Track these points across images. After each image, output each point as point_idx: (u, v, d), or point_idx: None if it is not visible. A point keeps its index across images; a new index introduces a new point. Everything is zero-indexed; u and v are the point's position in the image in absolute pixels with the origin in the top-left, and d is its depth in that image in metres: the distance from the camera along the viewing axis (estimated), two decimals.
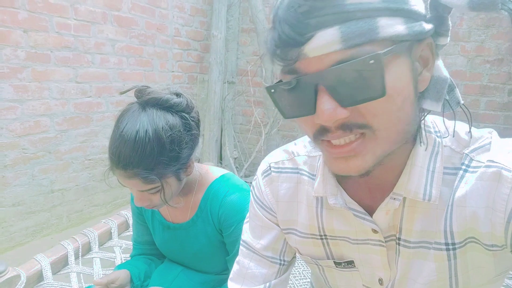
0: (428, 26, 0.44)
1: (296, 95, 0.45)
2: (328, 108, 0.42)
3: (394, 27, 0.41)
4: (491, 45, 2.77)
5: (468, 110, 0.53)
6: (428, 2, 0.46)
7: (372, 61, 0.39)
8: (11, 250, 2.29)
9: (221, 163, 3.50)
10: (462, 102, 0.53)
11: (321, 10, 0.40)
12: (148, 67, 3.05)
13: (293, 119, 0.49)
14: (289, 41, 0.42)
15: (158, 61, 3.13)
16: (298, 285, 1.35)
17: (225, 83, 3.49)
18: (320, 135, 0.46)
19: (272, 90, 0.47)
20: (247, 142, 3.74)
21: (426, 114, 0.51)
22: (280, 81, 0.47)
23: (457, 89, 0.53)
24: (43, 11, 2.26)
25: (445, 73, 0.51)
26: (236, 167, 3.51)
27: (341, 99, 0.42)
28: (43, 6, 2.25)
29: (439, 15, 0.46)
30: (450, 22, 0.48)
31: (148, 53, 3.03)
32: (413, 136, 0.51)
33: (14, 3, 2.12)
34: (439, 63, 0.51)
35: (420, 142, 0.51)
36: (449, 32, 0.49)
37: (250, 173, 3.37)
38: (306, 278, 1.39)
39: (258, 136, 3.47)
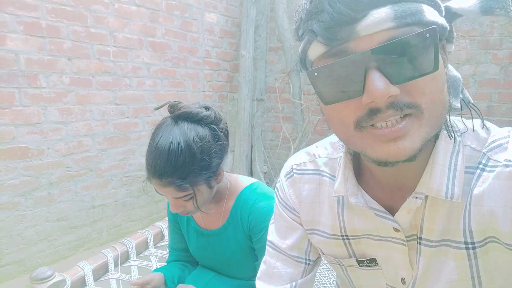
0: (448, 27, 0.47)
1: (342, 77, 0.44)
2: (380, 84, 0.41)
3: (434, 15, 0.44)
4: None
5: (478, 109, 0.55)
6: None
7: (428, 35, 0.41)
8: (56, 262, 2.42)
9: None
10: (472, 101, 0.55)
11: None
12: (181, 87, 3.19)
13: (332, 107, 0.48)
14: (343, 18, 0.42)
15: (190, 81, 3.27)
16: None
17: (254, 100, 3.57)
18: (368, 118, 0.45)
19: (315, 74, 0.46)
20: (276, 157, 3.78)
21: (450, 109, 0.52)
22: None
23: (465, 90, 0.56)
24: (85, 39, 2.45)
25: (457, 74, 0.54)
26: (267, 182, 3.55)
27: (393, 76, 0.42)
28: (85, 36, 2.44)
29: (447, 23, 0.48)
30: (454, 31, 0.51)
31: (181, 75, 3.17)
32: (437, 133, 0.52)
33: (60, 34, 2.31)
34: (450, 66, 0.53)
35: (449, 136, 0.52)
36: (454, 40, 0.51)
37: None
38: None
39: (287, 151, 3.50)
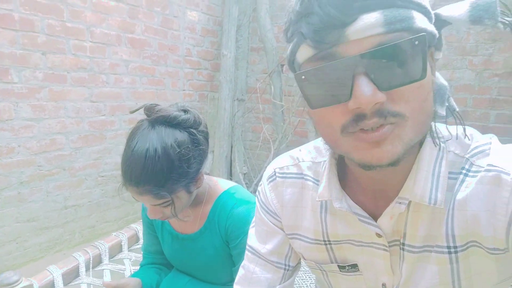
0: (437, 34, 0.46)
1: (330, 81, 0.44)
2: (368, 90, 0.41)
3: (423, 22, 0.43)
4: (499, 58, 2.77)
5: (461, 117, 0.55)
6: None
7: (417, 42, 0.40)
8: (26, 265, 2.33)
9: (231, 179, 3.52)
10: (457, 109, 0.55)
11: None
12: (160, 86, 3.13)
13: (319, 111, 0.48)
14: (332, 21, 0.41)
15: (170, 80, 3.22)
16: None
17: (235, 100, 3.55)
18: (354, 123, 0.44)
19: (303, 77, 0.46)
20: (256, 158, 3.77)
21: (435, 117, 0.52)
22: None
23: (451, 98, 0.56)
24: (61, 34, 2.37)
25: (444, 82, 0.54)
26: (246, 183, 3.53)
27: (380, 82, 0.42)
28: (60, 30, 2.36)
29: (437, 30, 0.48)
30: (443, 39, 0.50)
31: (160, 73, 3.12)
32: (422, 139, 0.52)
33: (34, 28, 2.23)
34: (438, 74, 0.53)
35: (434, 143, 0.52)
36: (442, 48, 0.51)
37: None
38: None
39: (267, 152, 3.49)
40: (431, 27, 0.44)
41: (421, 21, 0.43)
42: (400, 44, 0.41)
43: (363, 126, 0.44)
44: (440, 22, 0.48)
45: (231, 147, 3.54)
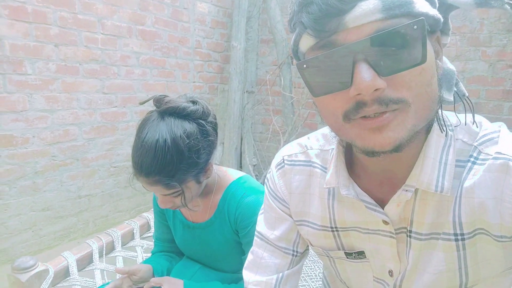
0: (441, 18, 0.46)
1: (331, 69, 0.44)
2: (367, 77, 0.41)
3: (424, 6, 0.43)
4: None
5: (471, 102, 0.55)
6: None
7: (415, 27, 0.41)
8: (41, 253, 2.39)
9: (240, 170, 3.54)
10: (467, 94, 0.55)
11: None
12: (171, 78, 3.15)
13: (322, 99, 0.48)
14: (331, 10, 0.42)
15: (180, 72, 3.23)
16: (314, 286, 1.36)
17: (244, 92, 3.55)
18: (355, 111, 0.45)
19: (304, 66, 0.46)
20: (266, 150, 3.78)
21: (442, 102, 0.52)
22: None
23: (461, 83, 0.55)
24: (73, 26, 2.39)
25: (451, 66, 0.53)
26: (256, 175, 3.55)
27: (381, 68, 0.42)
28: (72, 22, 2.39)
29: (443, 15, 0.48)
30: (450, 23, 0.50)
31: (171, 65, 3.13)
32: (428, 126, 0.52)
33: (47, 20, 2.26)
34: (445, 59, 0.53)
35: (441, 129, 0.52)
36: (450, 32, 0.51)
37: None
38: (319, 281, 1.40)
39: (277, 144, 3.50)
40: (433, 12, 0.44)
41: (421, 5, 0.43)
42: (398, 30, 0.41)
43: (363, 113, 0.44)
44: (446, 6, 0.48)
45: (241, 139, 3.55)
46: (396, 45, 0.41)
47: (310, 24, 0.44)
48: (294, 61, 0.53)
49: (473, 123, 0.55)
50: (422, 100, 0.45)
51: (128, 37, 2.75)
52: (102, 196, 2.77)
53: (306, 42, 0.46)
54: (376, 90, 0.42)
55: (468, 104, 0.55)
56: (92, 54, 2.53)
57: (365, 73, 0.42)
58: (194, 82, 3.40)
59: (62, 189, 2.51)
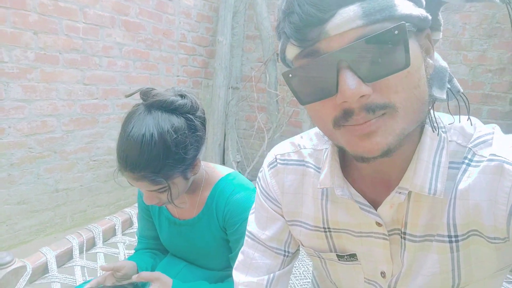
0: (429, 16, 0.46)
1: (316, 77, 0.45)
2: (352, 84, 0.41)
3: (408, 7, 0.43)
4: (493, 54, 2.79)
5: (467, 99, 0.54)
6: None
7: (397, 32, 0.40)
8: (15, 247, 2.31)
9: None
10: (461, 90, 0.55)
11: None
12: (154, 71, 3.09)
13: (310, 107, 0.48)
14: (311, 20, 0.42)
15: (164, 65, 3.17)
16: (298, 285, 1.36)
17: (229, 88, 3.52)
18: (343, 119, 0.45)
19: (290, 75, 0.47)
20: (250, 147, 3.77)
21: (434, 102, 0.52)
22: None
23: (455, 79, 0.55)
24: (53, 13, 2.31)
25: (444, 63, 0.53)
26: (239, 171, 3.53)
27: (365, 75, 0.42)
28: (53, 9, 2.30)
29: (432, 10, 0.48)
30: (441, 18, 0.50)
31: (154, 58, 3.07)
32: (421, 128, 0.52)
33: (26, 6, 2.17)
34: (437, 55, 0.53)
35: (433, 128, 0.52)
36: (441, 27, 0.51)
37: (252, 178, 3.38)
38: (307, 278, 1.41)
39: (261, 141, 3.49)
40: (418, 11, 0.44)
41: (404, 7, 0.42)
42: (379, 36, 0.41)
43: (352, 122, 0.45)
44: (436, 2, 0.48)
45: (224, 135, 3.53)
46: (379, 51, 0.41)
47: (292, 34, 0.44)
48: (280, 59, 0.52)
49: (467, 119, 0.55)
50: (410, 103, 0.44)
51: (111, 27, 2.67)
52: (80, 190, 2.70)
53: (291, 51, 0.47)
54: (362, 96, 0.42)
55: (464, 100, 0.55)
56: (73, 44, 2.45)
57: (349, 80, 0.42)
58: (178, 76, 3.34)
59: (38, 182, 2.42)
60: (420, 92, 0.45)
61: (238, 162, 3.52)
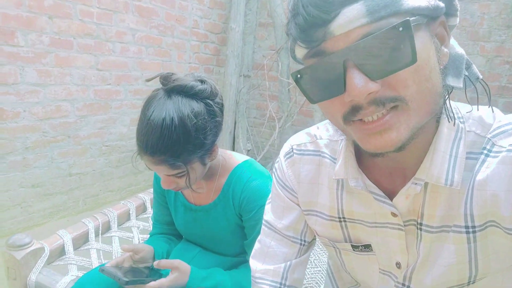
0: (441, 4, 0.45)
1: (324, 77, 0.45)
2: (358, 82, 0.42)
3: (414, 0, 0.42)
4: None
5: (487, 85, 0.53)
6: None
7: (401, 28, 0.40)
8: (30, 229, 2.35)
9: None
10: (481, 77, 0.54)
11: None
12: (166, 57, 3.08)
13: (320, 104, 0.49)
14: (315, 21, 0.42)
15: (176, 52, 3.16)
16: (309, 273, 1.37)
17: (240, 76, 3.50)
18: (352, 115, 0.46)
19: (298, 75, 0.47)
20: (260, 136, 3.76)
21: (451, 91, 0.51)
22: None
23: (473, 65, 0.54)
24: None
25: (460, 50, 0.52)
26: None
27: (371, 72, 0.42)
28: None
29: None
30: (457, 3, 0.49)
31: (167, 44, 3.06)
32: (437, 118, 0.51)
33: None
34: (453, 42, 0.52)
35: (448, 118, 0.51)
36: (458, 12, 0.50)
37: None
38: (318, 267, 1.42)
39: (271, 130, 3.48)
40: (426, 2, 0.43)
41: (411, 0, 0.42)
42: (383, 33, 0.40)
43: (361, 116, 0.45)
44: None
45: (235, 123, 3.52)
46: (384, 48, 0.41)
47: (298, 35, 0.45)
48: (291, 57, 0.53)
49: (488, 107, 0.54)
50: (422, 96, 0.44)
51: (124, 13, 2.66)
52: (93, 174, 2.73)
53: (299, 51, 0.48)
54: (369, 94, 0.43)
55: (484, 87, 0.53)
56: (87, 29, 2.45)
57: (356, 79, 0.42)
58: (190, 63, 3.33)
59: (52, 166, 2.46)
60: (432, 84, 0.45)
61: (248, 150, 3.52)
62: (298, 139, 0.70)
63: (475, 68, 0.54)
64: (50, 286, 1.06)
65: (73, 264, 1.18)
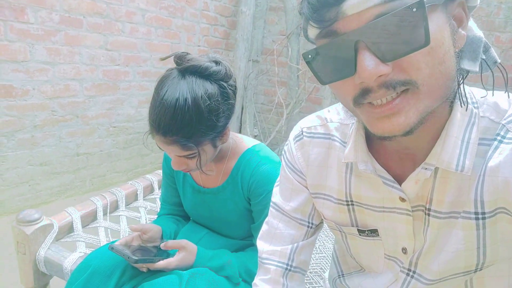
0: None
1: (335, 57, 0.45)
2: (369, 64, 0.41)
3: None
4: None
5: (505, 70, 0.52)
6: None
7: (415, 9, 0.39)
8: (37, 207, 2.39)
9: None
10: (499, 61, 0.52)
11: None
12: (176, 39, 3.06)
13: (331, 86, 0.49)
14: (327, 0, 0.42)
15: (185, 34, 3.13)
16: (314, 258, 1.38)
17: (249, 61, 3.47)
18: (362, 97, 0.45)
19: (310, 56, 0.47)
20: (268, 122, 3.75)
21: (466, 75, 0.50)
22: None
23: (492, 48, 0.52)
24: None
25: (479, 33, 0.50)
26: None
27: (383, 54, 0.41)
28: None
29: None
30: None
31: (176, 26, 3.03)
32: (450, 103, 0.51)
33: None
34: (472, 24, 0.50)
35: (461, 103, 0.50)
36: None
37: None
38: (323, 253, 1.42)
39: (279, 116, 3.47)
40: None
41: None
42: (396, 14, 0.39)
43: (370, 99, 0.45)
44: None
45: (242, 108, 3.51)
46: (397, 29, 0.40)
47: (310, 14, 0.44)
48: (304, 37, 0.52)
49: (505, 92, 0.53)
50: (434, 80, 0.43)
51: None
52: (100, 155, 2.74)
53: (311, 31, 0.47)
54: (380, 76, 0.42)
55: (501, 71, 0.51)
56: (97, 7, 2.43)
57: (367, 60, 0.41)
58: (199, 46, 3.31)
59: (60, 145, 2.47)
60: (446, 68, 0.44)
61: (255, 136, 3.51)
62: (308, 121, 0.70)
63: (493, 51, 0.52)
64: (59, 262, 1.07)
65: (82, 241, 1.19)
